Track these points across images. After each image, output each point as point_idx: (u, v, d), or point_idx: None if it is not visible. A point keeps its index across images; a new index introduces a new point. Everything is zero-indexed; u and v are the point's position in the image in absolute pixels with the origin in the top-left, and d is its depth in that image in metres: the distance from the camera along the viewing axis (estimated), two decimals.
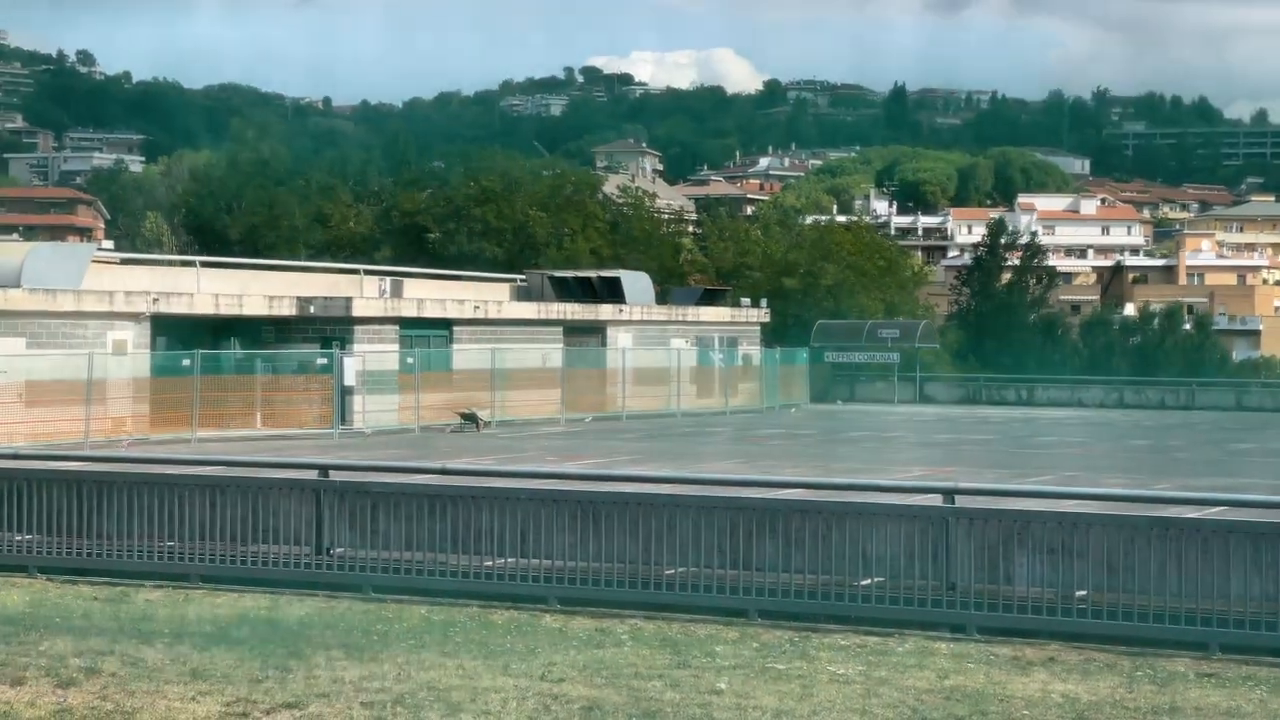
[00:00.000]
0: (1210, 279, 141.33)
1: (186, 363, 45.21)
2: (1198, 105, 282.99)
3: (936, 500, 18.50)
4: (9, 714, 12.65)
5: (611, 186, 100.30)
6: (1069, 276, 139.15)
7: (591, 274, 68.35)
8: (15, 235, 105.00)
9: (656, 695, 13.66)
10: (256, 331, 50.95)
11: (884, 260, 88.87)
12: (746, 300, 70.85)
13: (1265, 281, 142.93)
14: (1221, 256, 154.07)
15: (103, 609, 18.29)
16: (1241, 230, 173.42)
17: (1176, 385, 71.82)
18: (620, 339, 61.24)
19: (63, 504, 21.10)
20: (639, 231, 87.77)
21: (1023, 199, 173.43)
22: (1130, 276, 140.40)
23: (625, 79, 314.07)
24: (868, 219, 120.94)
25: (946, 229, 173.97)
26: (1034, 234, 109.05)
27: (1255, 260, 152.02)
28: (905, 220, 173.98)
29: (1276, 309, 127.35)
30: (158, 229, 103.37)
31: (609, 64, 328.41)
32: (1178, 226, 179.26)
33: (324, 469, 21.24)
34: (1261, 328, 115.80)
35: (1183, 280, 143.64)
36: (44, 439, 39.77)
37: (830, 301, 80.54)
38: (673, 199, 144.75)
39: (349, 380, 48.54)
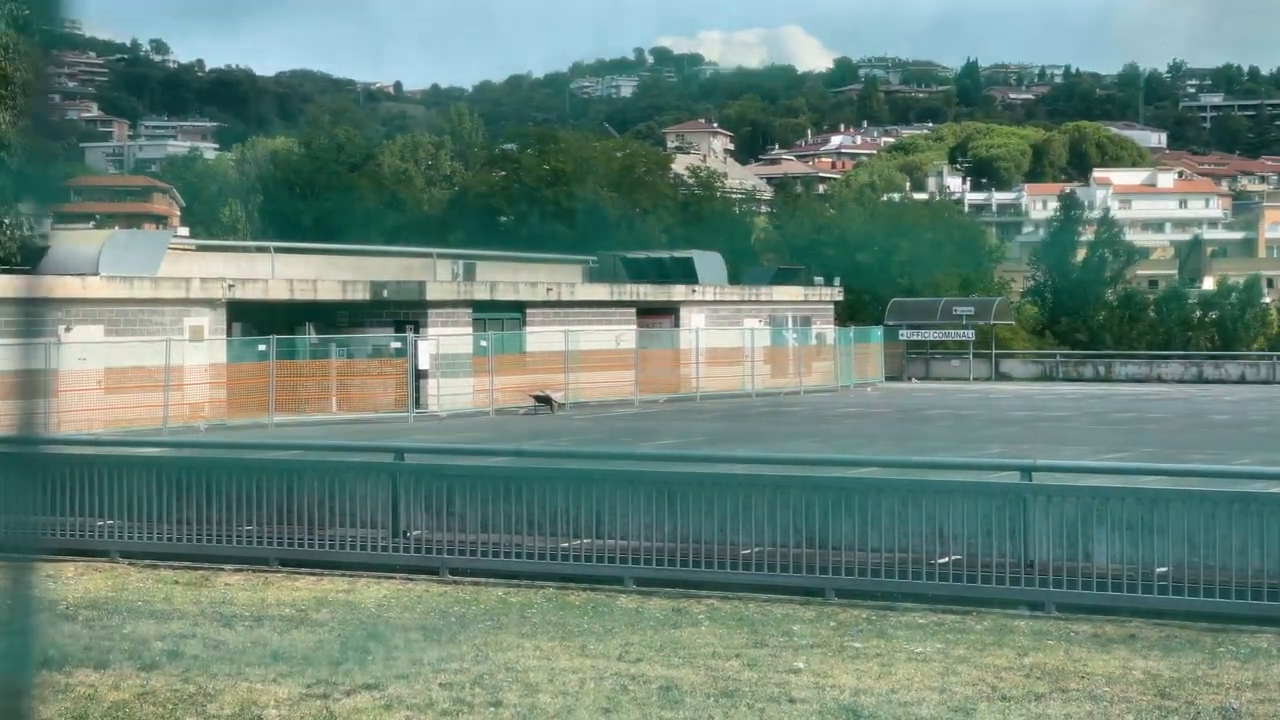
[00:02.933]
0: None
1: (262, 348, 45.57)
2: (1276, 76, 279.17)
3: (1014, 477, 18.36)
4: (94, 696, 12.79)
5: (681, 167, 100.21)
6: (1146, 251, 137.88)
7: (664, 254, 68.35)
8: (91, 223, 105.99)
9: (734, 675, 13.64)
10: (331, 316, 51.27)
11: (960, 237, 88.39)
12: (820, 279, 70.61)
13: None
14: None
15: (184, 593, 18.44)
16: None
17: (1258, 359, 71.04)
18: (693, 319, 61.19)
19: (143, 489, 21.27)
20: (710, 211, 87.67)
21: (1098, 174, 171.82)
22: (1209, 250, 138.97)
23: (695, 59, 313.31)
24: (942, 196, 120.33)
25: (1021, 205, 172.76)
26: (1108, 209, 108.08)
27: None
28: (979, 197, 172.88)
29: None
30: (235, 216, 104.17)
31: (678, 44, 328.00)
32: (1257, 199, 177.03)
33: (400, 452, 21.32)
34: None
35: (1262, 253, 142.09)
36: (123, 425, 40.21)
37: (905, 279, 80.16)
38: (744, 179, 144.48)
39: (423, 364, 48.79)
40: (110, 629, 15.86)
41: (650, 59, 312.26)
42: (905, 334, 70.70)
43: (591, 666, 13.96)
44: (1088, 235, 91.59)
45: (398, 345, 49.06)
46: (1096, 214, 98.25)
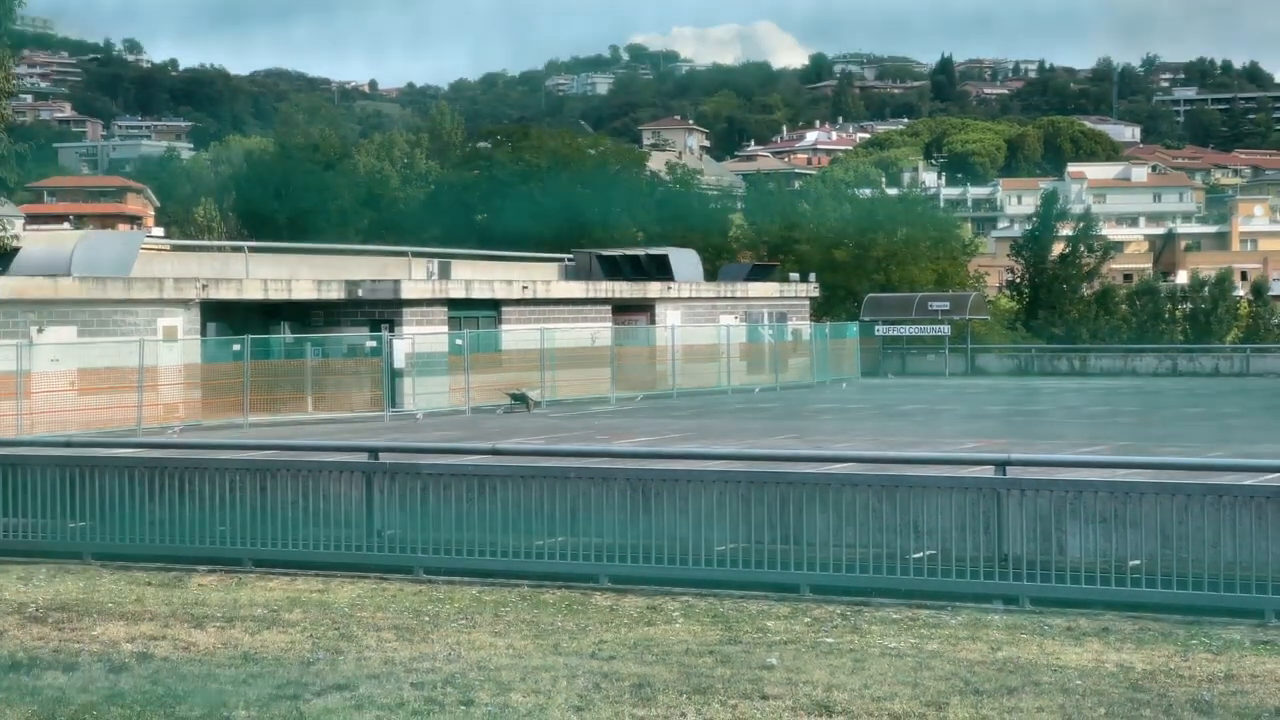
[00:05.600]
0: (1264, 245, 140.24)
1: (237, 348, 45.39)
2: (1248, 70, 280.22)
3: (988, 471, 18.36)
4: (61, 699, 12.70)
5: (658, 164, 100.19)
6: (1120, 245, 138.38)
7: (639, 252, 68.31)
8: (65, 224, 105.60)
9: (707, 671, 13.62)
10: (306, 316, 51.13)
11: (935, 232, 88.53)
12: (795, 275, 70.64)
13: None
14: (1275, 222, 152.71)
15: (155, 594, 18.35)
16: None
17: (1231, 352, 71.28)
18: (669, 316, 61.19)
19: (116, 490, 21.18)
20: (685, 208, 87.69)
21: (1072, 168, 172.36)
22: (1183, 244, 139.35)
23: (670, 56, 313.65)
24: (917, 191, 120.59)
25: (996, 200, 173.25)
26: (1086, 204, 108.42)
27: None
28: (954, 192, 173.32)
29: None
30: (209, 216, 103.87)
31: (653, 41, 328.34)
32: (1230, 193, 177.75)
33: (374, 451, 21.25)
34: None
35: (1236, 246, 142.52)
36: (96, 426, 40.05)
37: (880, 274, 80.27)
38: (720, 175, 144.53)
39: (398, 363, 48.67)
40: (80, 630, 15.78)
41: (625, 56, 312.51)
42: (881, 329, 70.77)
43: (564, 664, 13.92)
44: (1065, 230, 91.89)
45: (373, 344, 48.94)
46: (1078, 209, 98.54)
